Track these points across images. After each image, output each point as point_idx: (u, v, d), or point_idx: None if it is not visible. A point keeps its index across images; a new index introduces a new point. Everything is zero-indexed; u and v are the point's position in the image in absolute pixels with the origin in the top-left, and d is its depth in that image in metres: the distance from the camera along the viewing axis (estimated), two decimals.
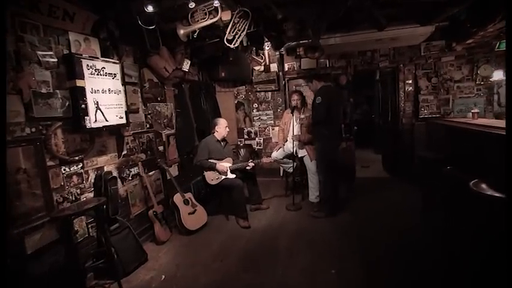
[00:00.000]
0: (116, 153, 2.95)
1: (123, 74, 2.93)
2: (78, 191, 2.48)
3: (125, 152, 3.07)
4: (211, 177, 3.54)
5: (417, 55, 4.54)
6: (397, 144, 4.97)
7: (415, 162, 4.56)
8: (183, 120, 4.09)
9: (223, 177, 3.57)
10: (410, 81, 4.66)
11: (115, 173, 2.90)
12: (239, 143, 5.63)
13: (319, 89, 3.49)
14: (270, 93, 5.41)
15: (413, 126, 4.70)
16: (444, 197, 2.84)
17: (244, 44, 3.18)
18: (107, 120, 2.64)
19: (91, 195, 2.61)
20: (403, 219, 3.37)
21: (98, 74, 2.54)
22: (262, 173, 5.08)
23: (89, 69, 2.44)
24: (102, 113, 2.59)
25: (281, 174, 5.31)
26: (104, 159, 2.78)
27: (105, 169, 2.79)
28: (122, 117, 2.84)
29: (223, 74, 4.78)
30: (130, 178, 3.13)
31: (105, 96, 2.63)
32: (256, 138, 5.58)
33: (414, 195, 4.05)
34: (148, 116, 3.47)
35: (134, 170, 3.21)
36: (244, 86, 5.51)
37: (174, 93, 4.01)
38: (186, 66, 3.78)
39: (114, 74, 2.74)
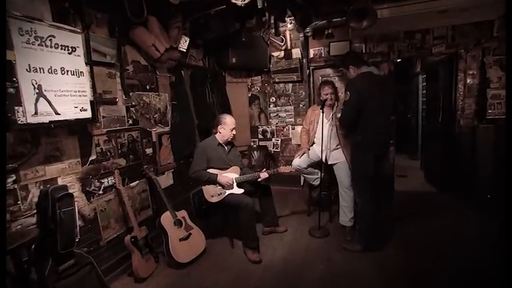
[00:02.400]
0: (79, 159, 2.14)
1: (89, 50, 2.10)
2: (8, 216, 1.68)
3: (93, 157, 2.26)
4: (211, 193, 2.68)
5: (487, 36, 3.46)
6: (450, 151, 3.93)
7: (479, 177, 3.52)
8: (181, 116, 3.24)
9: (228, 192, 2.70)
10: (474, 72, 3.59)
11: (75, 187, 2.09)
12: (252, 144, 4.75)
13: (351, 80, 2.54)
14: (290, 85, 4.48)
15: (475, 129, 3.64)
16: None
17: (259, 5, 2.27)
18: (57, 113, 1.82)
19: (33, 220, 1.82)
20: (476, 260, 2.39)
21: (41, 45, 1.72)
22: (278, 181, 4.20)
23: (23, 35, 1.62)
24: (49, 103, 1.78)
25: (302, 184, 4.41)
26: (57, 168, 1.97)
27: (60, 182, 1.98)
28: (85, 109, 2.03)
29: (234, 60, 3.91)
30: (101, 192, 2.32)
31: (55, 78, 1.81)
32: (273, 139, 4.68)
33: (482, 221, 3.05)
34: (132, 109, 2.65)
35: (108, 181, 2.40)
36: (259, 76, 4.61)
37: (169, 80, 3.17)
38: (184, 45, 2.93)
39: (73, 47, 1.92)
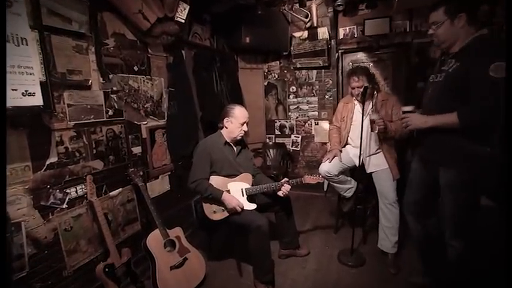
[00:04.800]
0: (29, 163, 1.55)
1: (38, 8, 1.49)
2: None
3: (53, 160, 1.67)
4: (213, 208, 2.04)
5: None
6: None
7: None
8: (181, 106, 2.62)
9: None
10: None
11: (22, 202, 1.51)
12: (268, 141, 4.09)
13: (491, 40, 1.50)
14: (314, 71, 3.76)
15: None
16: None
17: None
18: None
19: None
20: None
21: None
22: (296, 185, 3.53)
23: None
24: None
25: (325, 189, 3.71)
26: None
27: None
28: (31, 94, 1.42)
29: (247, 40, 3.24)
30: (65, 206, 1.74)
31: None
32: (292, 136, 3.99)
33: None
34: (113, 96, 2.04)
35: (77, 190, 1.82)
36: (278, 62, 3.92)
37: (166, 61, 2.54)
38: (183, 14, 2.28)
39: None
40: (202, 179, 2.02)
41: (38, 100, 1.45)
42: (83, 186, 1.84)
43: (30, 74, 1.41)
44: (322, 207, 3.43)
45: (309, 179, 2.13)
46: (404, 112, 1.65)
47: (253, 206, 2.05)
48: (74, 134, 1.79)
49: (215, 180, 2.06)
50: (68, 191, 1.75)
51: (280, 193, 2.09)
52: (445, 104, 1.48)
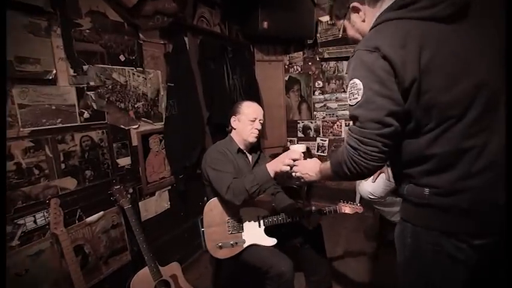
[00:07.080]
0: None
1: None
2: None
3: None
4: (217, 241, 1.53)
5: None
6: None
7: None
8: (182, 105, 2.12)
9: (248, 242, 1.53)
10: None
11: None
12: (289, 144, 3.54)
13: (364, 43, 0.85)
14: (345, 63, 3.17)
15: None
16: None
17: None
18: None
19: None
20: None
21: None
22: (318, 196, 3.02)
23: None
24: None
25: (358, 202, 3.12)
26: None
27: None
28: None
29: (265, 25, 2.70)
30: (15, 243, 1.29)
31: None
32: (318, 139, 3.42)
33: None
34: (91, 93, 1.57)
35: (37, 220, 1.36)
36: (301, 52, 3.36)
37: (164, 50, 2.05)
38: None
39: None
40: (233, 179, 1.44)
41: None
42: (46, 214, 1.39)
43: None
44: (355, 227, 2.84)
45: (347, 208, 1.58)
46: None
47: (272, 242, 1.51)
48: (30, 144, 1.33)
49: (223, 205, 1.55)
50: (21, 221, 1.30)
51: (309, 226, 1.55)
52: None
